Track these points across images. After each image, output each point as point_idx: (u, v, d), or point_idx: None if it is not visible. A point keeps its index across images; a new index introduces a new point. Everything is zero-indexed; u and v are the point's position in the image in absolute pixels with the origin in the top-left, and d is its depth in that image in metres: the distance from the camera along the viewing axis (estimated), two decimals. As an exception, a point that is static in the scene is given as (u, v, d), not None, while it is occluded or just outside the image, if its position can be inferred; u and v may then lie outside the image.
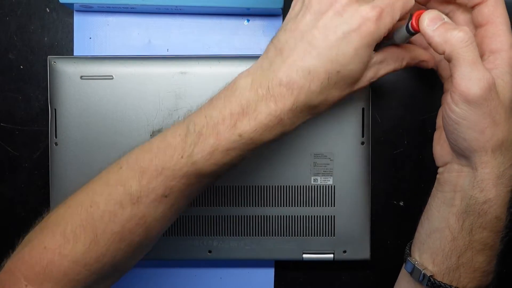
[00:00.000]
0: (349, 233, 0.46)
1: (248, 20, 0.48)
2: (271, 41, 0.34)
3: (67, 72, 0.45)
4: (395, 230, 0.49)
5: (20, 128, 0.48)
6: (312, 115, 0.34)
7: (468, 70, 0.31)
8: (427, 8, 0.36)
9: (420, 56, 0.36)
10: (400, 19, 0.33)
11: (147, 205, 0.33)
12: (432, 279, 0.37)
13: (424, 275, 0.37)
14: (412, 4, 0.33)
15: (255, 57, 0.45)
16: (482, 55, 0.34)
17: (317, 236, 0.45)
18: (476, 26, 0.36)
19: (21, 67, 0.48)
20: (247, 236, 0.46)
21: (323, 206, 0.45)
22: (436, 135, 0.39)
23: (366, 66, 0.33)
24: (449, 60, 0.32)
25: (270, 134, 0.33)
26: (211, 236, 0.46)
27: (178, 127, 0.34)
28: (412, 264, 0.38)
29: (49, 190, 0.45)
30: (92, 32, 0.48)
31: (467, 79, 0.31)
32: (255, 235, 0.46)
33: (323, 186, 0.45)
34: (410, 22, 0.33)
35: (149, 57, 0.45)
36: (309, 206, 0.45)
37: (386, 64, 0.34)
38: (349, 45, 0.31)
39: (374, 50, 0.33)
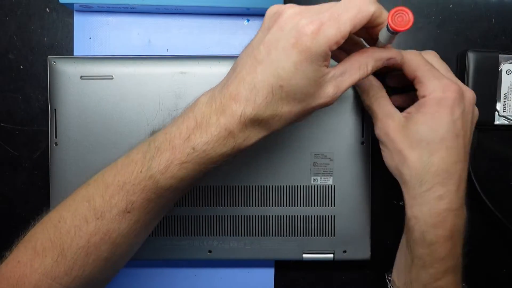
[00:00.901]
0: (349, 233, 0.46)
1: (248, 20, 0.48)
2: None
3: (67, 72, 0.45)
4: (395, 230, 0.48)
5: (20, 128, 0.48)
6: (267, 130, 0.34)
7: (376, 121, 0.39)
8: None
9: (384, 55, 0.35)
10: (375, 26, 0.33)
11: (110, 220, 0.34)
12: None
13: None
14: (368, 13, 0.31)
15: (255, 57, 0.45)
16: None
17: (317, 236, 0.45)
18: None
19: (21, 67, 0.48)
20: (247, 236, 0.46)
21: (323, 206, 0.45)
22: None
23: (317, 83, 0.32)
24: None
25: (222, 147, 0.33)
26: (211, 236, 0.46)
27: (141, 145, 0.36)
28: (387, 280, 0.41)
29: (49, 190, 0.45)
30: (92, 32, 0.48)
31: (375, 128, 0.40)
32: (255, 235, 0.46)
33: (323, 186, 0.45)
34: (388, 20, 0.32)
35: (149, 57, 0.45)
36: (309, 206, 0.45)
37: (349, 75, 0.34)
38: (288, 61, 0.31)
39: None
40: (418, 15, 0.47)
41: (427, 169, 0.36)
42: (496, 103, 0.46)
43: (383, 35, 0.34)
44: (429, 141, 0.36)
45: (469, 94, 0.38)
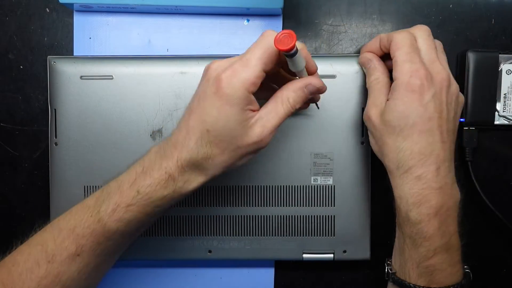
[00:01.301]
0: (349, 233, 0.46)
1: (248, 20, 0.48)
2: None
3: (67, 72, 0.45)
4: (395, 230, 0.49)
5: (20, 128, 0.48)
6: (205, 175, 0.36)
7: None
8: None
9: (299, 84, 0.36)
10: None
11: (60, 263, 0.36)
12: (392, 275, 0.40)
13: (388, 272, 0.41)
14: (272, 47, 0.33)
15: (255, 57, 0.45)
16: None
17: (317, 236, 0.45)
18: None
19: (21, 67, 0.48)
20: (247, 236, 0.46)
21: (323, 206, 0.45)
22: None
23: (242, 125, 0.34)
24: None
25: (164, 189, 0.35)
26: (211, 236, 0.46)
27: (97, 192, 0.38)
28: (387, 269, 0.42)
29: (49, 190, 0.45)
30: (92, 32, 0.48)
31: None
32: (255, 235, 0.46)
33: (323, 186, 0.45)
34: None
35: (149, 57, 0.45)
36: (309, 206, 0.45)
37: (274, 113, 0.36)
38: (213, 107, 0.34)
39: None
40: (418, 15, 0.48)
41: (402, 153, 0.37)
42: (496, 103, 0.46)
43: (288, 63, 0.35)
44: (401, 127, 0.37)
45: (440, 76, 0.38)
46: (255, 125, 0.35)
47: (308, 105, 0.41)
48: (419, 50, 0.39)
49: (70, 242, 0.36)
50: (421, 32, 0.40)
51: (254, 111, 0.35)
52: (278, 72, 0.38)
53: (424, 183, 0.37)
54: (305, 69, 0.36)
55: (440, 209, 0.37)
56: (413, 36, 0.39)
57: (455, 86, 0.39)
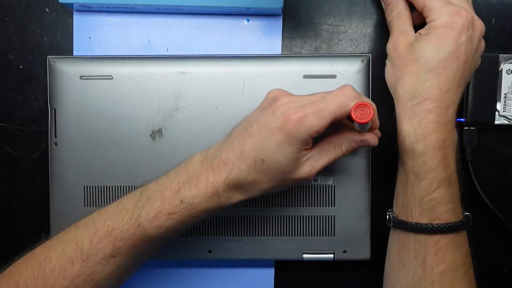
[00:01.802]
0: (349, 233, 0.45)
1: (248, 20, 0.48)
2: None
3: (66, 72, 0.45)
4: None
5: (19, 128, 0.48)
6: (246, 195, 0.37)
7: (391, 36, 0.43)
8: None
9: (357, 137, 0.38)
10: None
11: (95, 263, 0.36)
12: (393, 219, 0.42)
13: (389, 218, 0.42)
14: (348, 109, 0.35)
15: (255, 57, 0.45)
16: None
17: (317, 236, 0.45)
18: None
19: (21, 67, 0.48)
20: (247, 236, 0.46)
21: (323, 206, 0.45)
22: None
23: (295, 162, 0.36)
24: None
25: (207, 203, 0.36)
26: (211, 236, 0.46)
27: (134, 193, 0.38)
28: (388, 215, 0.43)
29: (49, 190, 0.45)
30: (91, 32, 0.48)
31: (388, 42, 0.43)
32: (255, 235, 0.46)
33: (323, 186, 0.45)
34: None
35: (149, 57, 0.45)
36: (309, 206, 0.45)
37: (325, 155, 0.37)
38: (273, 140, 0.35)
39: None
40: (418, 15, 0.47)
41: (421, 83, 0.39)
42: (496, 103, 0.46)
43: (356, 125, 0.37)
44: (429, 58, 0.39)
45: (479, 24, 0.39)
46: (306, 162, 0.37)
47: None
48: None
49: (107, 243, 0.36)
50: None
51: (307, 149, 0.36)
52: None
53: (435, 116, 0.38)
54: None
55: (444, 143, 0.38)
56: None
57: (483, 42, 0.41)
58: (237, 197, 0.37)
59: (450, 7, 0.39)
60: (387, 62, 0.43)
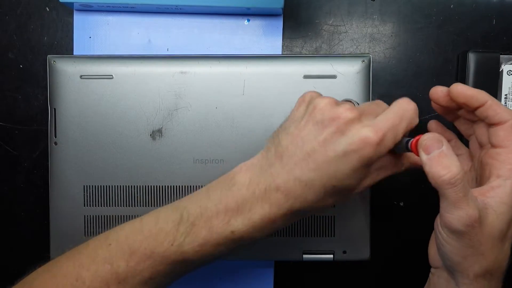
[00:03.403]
0: (349, 233, 0.45)
1: (248, 20, 0.48)
2: (272, 136, 0.35)
3: (66, 72, 0.45)
4: (395, 230, 0.49)
5: (19, 128, 0.48)
6: (303, 216, 0.35)
7: (451, 207, 0.31)
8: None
9: (418, 162, 0.34)
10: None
11: (132, 286, 0.33)
12: None
13: None
14: (416, 123, 0.33)
15: (255, 57, 0.45)
16: (489, 177, 0.34)
17: (317, 236, 0.45)
18: (491, 144, 0.35)
19: (21, 66, 0.48)
20: (247, 236, 0.46)
21: (323, 206, 0.45)
22: (433, 235, 0.38)
23: (361, 180, 0.33)
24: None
25: (261, 233, 0.33)
26: (211, 236, 0.46)
27: (171, 212, 0.34)
28: None
29: (49, 189, 0.45)
30: (92, 32, 0.48)
31: (450, 214, 0.32)
32: (255, 235, 0.46)
33: (323, 186, 0.45)
34: (411, 141, 0.33)
35: (149, 57, 0.45)
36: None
37: (385, 170, 0.34)
38: (347, 164, 0.31)
39: None
40: (419, 15, 0.47)
41: (501, 256, 0.34)
42: (496, 103, 0.46)
43: (400, 147, 0.34)
44: (507, 238, 0.34)
45: None
46: (368, 176, 0.33)
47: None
48: None
49: (145, 267, 0.33)
50: None
51: None
52: None
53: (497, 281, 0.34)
54: None
55: None
56: None
57: None
58: (293, 221, 0.34)
59: None
60: (451, 240, 0.33)
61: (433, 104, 0.39)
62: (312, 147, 0.32)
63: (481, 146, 0.37)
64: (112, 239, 0.35)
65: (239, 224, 0.32)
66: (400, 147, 0.34)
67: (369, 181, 0.34)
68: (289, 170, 0.32)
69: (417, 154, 0.32)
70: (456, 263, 0.34)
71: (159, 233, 0.33)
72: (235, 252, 0.35)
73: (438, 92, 0.37)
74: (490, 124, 0.35)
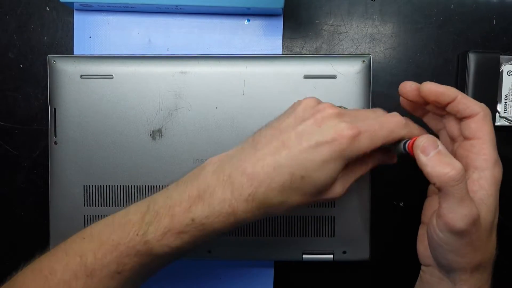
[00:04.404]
0: (349, 233, 0.45)
1: (248, 20, 0.48)
2: (254, 133, 0.35)
3: (67, 71, 0.45)
4: (395, 230, 0.49)
5: (19, 127, 0.48)
6: (266, 214, 0.33)
7: (456, 205, 0.32)
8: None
9: (385, 159, 0.37)
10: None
11: (100, 280, 0.33)
12: None
13: None
14: (399, 134, 0.33)
15: (255, 57, 0.45)
16: (466, 170, 0.35)
17: (317, 236, 0.45)
18: (463, 137, 0.36)
19: (21, 66, 0.48)
20: (247, 236, 0.46)
21: (323, 206, 0.45)
22: (420, 232, 0.39)
23: (333, 180, 0.33)
24: (438, 190, 0.32)
25: (221, 223, 0.32)
26: (210, 236, 0.46)
27: (141, 204, 0.35)
28: None
29: (49, 189, 0.45)
30: (92, 31, 0.48)
31: (454, 213, 0.32)
32: (255, 235, 0.46)
33: (323, 186, 0.45)
34: (407, 143, 0.34)
35: (149, 57, 0.45)
36: (308, 206, 0.45)
37: (352, 173, 0.35)
38: (318, 155, 0.31)
39: None
40: (419, 16, 0.47)
41: (491, 249, 0.36)
42: (497, 104, 0.46)
43: (398, 149, 0.35)
44: (494, 227, 0.36)
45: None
46: (337, 182, 0.34)
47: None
48: None
49: (112, 259, 0.33)
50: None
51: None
52: None
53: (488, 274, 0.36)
54: None
55: None
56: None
57: None
58: (257, 217, 0.33)
59: (498, 161, 0.35)
60: (454, 240, 0.33)
61: (401, 100, 0.39)
62: (288, 136, 0.32)
63: (452, 139, 0.38)
64: (86, 233, 0.35)
65: (199, 210, 0.32)
66: (398, 151, 0.35)
67: (340, 188, 0.34)
68: (260, 156, 0.32)
69: (414, 155, 0.33)
70: (453, 262, 0.34)
71: (126, 224, 0.34)
72: (202, 249, 0.35)
73: (407, 87, 0.37)
74: (461, 118, 0.36)
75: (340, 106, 0.36)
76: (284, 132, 0.33)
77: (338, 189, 0.34)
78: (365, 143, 0.32)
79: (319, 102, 0.34)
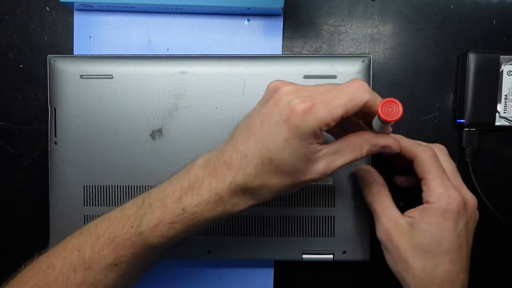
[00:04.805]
0: (348, 233, 0.45)
1: (248, 20, 0.48)
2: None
3: (67, 71, 0.45)
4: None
5: (19, 127, 0.48)
6: (255, 199, 0.34)
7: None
8: None
9: (380, 141, 0.35)
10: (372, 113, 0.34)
11: (98, 272, 0.34)
12: None
13: None
14: (362, 101, 0.32)
15: (255, 57, 0.45)
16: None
17: (316, 236, 0.45)
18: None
19: (21, 66, 0.48)
20: (246, 236, 0.46)
21: (323, 206, 0.45)
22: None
23: (307, 159, 0.33)
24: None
25: (211, 211, 0.34)
26: (210, 236, 0.46)
27: (136, 199, 0.36)
28: None
29: (49, 189, 0.45)
30: (92, 31, 0.48)
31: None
32: (255, 235, 0.46)
33: (323, 186, 0.45)
34: (377, 108, 0.32)
35: (149, 57, 0.45)
36: (309, 206, 0.45)
37: (342, 155, 0.34)
38: (279, 135, 0.32)
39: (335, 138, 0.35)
40: (419, 16, 0.47)
41: (432, 280, 0.37)
42: (496, 104, 0.46)
43: (376, 122, 0.34)
44: (434, 253, 0.37)
45: (472, 203, 0.39)
46: (319, 161, 0.33)
47: None
48: (446, 172, 0.39)
49: (108, 251, 0.34)
50: (442, 152, 0.41)
51: (320, 145, 0.33)
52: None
53: None
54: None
55: None
56: (436, 154, 0.39)
57: (477, 213, 0.40)
58: (246, 203, 0.34)
59: (448, 191, 0.37)
60: (384, 249, 0.40)
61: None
62: (254, 122, 0.33)
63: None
64: (84, 228, 0.36)
65: (189, 200, 0.34)
66: (377, 124, 0.34)
67: (322, 166, 0.33)
68: (235, 145, 0.34)
69: (388, 120, 0.32)
70: (396, 273, 0.39)
71: (122, 217, 0.35)
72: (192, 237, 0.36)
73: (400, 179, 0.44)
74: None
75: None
76: (252, 119, 0.34)
77: (320, 168, 0.33)
78: (322, 114, 0.31)
79: (282, 82, 0.34)
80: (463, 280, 0.38)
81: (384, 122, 0.33)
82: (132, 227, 0.34)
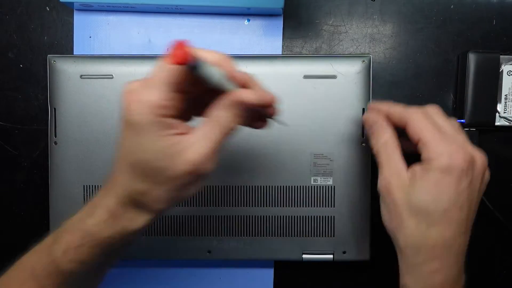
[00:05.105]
0: (348, 233, 0.45)
1: (248, 20, 0.48)
2: None
3: (67, 71, 0.45)
4: None
5: (19, 127, 0.48)
6: (151, 212, 0.32)
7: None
8: None
9: (231, 98, 0.30)
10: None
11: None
12: None
13: None
14: (175, 66, 0.29)
15: (256, 57, 0.45)
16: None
17: (316, 236, 0.45)
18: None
19: (21, 66, 0.48)
20: (247, 236, 0.46)
21: (323, 206, 0.45)
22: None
23: (167, 152, 0.29)
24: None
25: (109, 229, 0.32)
26: (210, 236, 0.46)
27: (62, 225, 0.35)
28: None
29: (48, 189, 0.45)
30: (92, 31, 0.48)
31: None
32: (255, 235, 0.46)
33: (323, 186, 0.45)
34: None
35: (149, 56, 0.45)
36: (309, 206, 0.45)
37: (209, 136, 0.30)
38: (128, 137, 0.30)
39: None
40: (419, 16, 0.47)
41: (424, 241, 0.34)
42: (497, 104, 0.46)
43: (197, 72, 0.29)
44: (429, 211, 0.34)
45: (480, 161, 0.35)
46: (186, 151, 0.30)
47: (265, 123, 0.35)
48: (443, 129, 0.36)
49: (31, 285, 0.33)
50: (435, 111, 0.38)
51: (181, 134, 0.30)
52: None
53: (442, 277, 0.34)
54: (229, 82, 0.30)
55: None
56: (428, 113, 0.37)
57: (488, 172, 0.37)
58: (140, 217, 0.32)
59: (448, 147, 0.34)
60: (381, 203, 0.37)
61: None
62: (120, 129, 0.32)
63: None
64: (18, 261, 0.35)
65: (89, 220, 0.32)
66: (198, 74, 0.29)
67: (194, 155, 0.30)
68: (117, 157, 0.32)
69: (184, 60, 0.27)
70: (390, 231, 0.37)
71: (41, 247, 0.34)
72: (109, 261, 0.35)
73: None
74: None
75: None
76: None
77: (190, 158, 0.30)
78: (145, 98, 0.29)
79: (129, 82, 0.32)
80: (460, 245, 0.35)
81: (191, 67, 0.28)
82: (46, 255, 0.33)
